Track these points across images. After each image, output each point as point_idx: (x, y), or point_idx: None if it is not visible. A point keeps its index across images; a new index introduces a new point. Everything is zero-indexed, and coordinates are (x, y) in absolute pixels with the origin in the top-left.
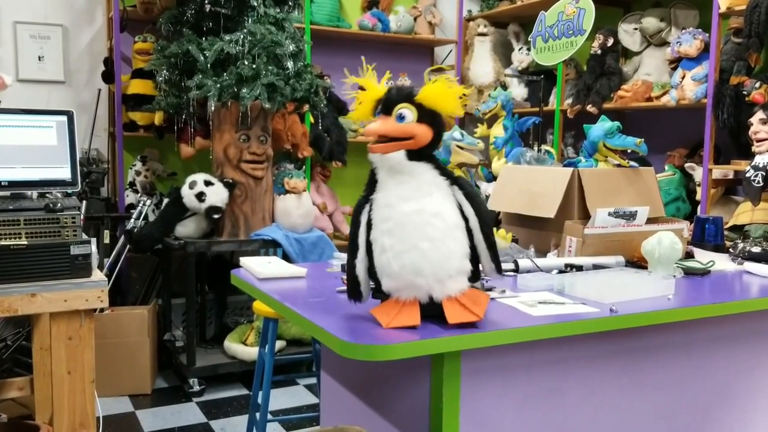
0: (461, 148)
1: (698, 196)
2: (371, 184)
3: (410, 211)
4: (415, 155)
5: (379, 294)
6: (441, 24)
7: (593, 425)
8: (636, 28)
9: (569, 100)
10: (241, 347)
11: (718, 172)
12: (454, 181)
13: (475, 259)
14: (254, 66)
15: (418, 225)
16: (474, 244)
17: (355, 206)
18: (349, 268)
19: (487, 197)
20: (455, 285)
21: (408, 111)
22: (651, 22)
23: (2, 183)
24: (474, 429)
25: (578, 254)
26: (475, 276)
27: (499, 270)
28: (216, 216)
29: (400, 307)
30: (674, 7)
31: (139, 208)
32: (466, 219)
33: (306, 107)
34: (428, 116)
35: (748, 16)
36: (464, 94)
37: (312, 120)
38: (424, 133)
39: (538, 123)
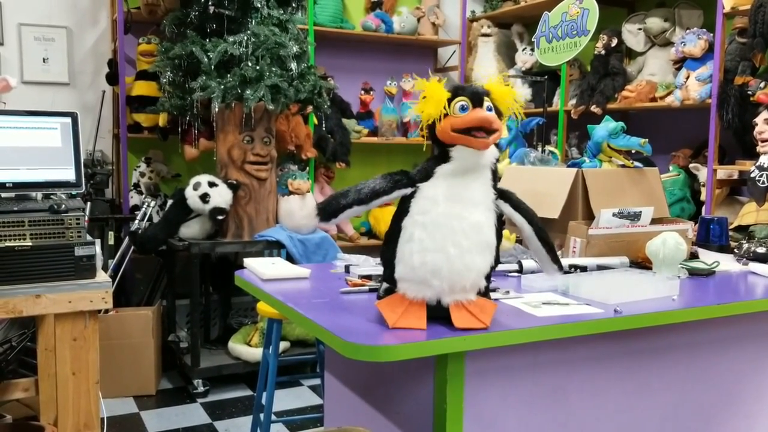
0: None
1: (703, 197)
2: (424, 174)
3: (452, 214)
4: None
5: (386, 282)
6: (444, 25)
7: (597, 426)
8: (640, 29)
9: (573, 101)
10: (246, 348)
11: (723, 172)
12: (501, 194)
13: (488, 277)
14: (258, 67)
15: (454, 230)
16: (533, 248)
17: (395, 176)
18: (345, 201)
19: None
20: (465, 296)
21: (491, 105)
22: (655, 23)
23: (7, 184)
24: (478, 430)
25: (582, 255)
26: (484, 293)
27: (560, 268)
28: (220, 217)
29: (406, 305)
30: (678, 7)
31: (144, 209)
32: (498, 238)
33: (310, 108)
34: (498, 114)
35: (753, 16)
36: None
37: (316, 121)
38: (502, 129)
39: (542, 123)
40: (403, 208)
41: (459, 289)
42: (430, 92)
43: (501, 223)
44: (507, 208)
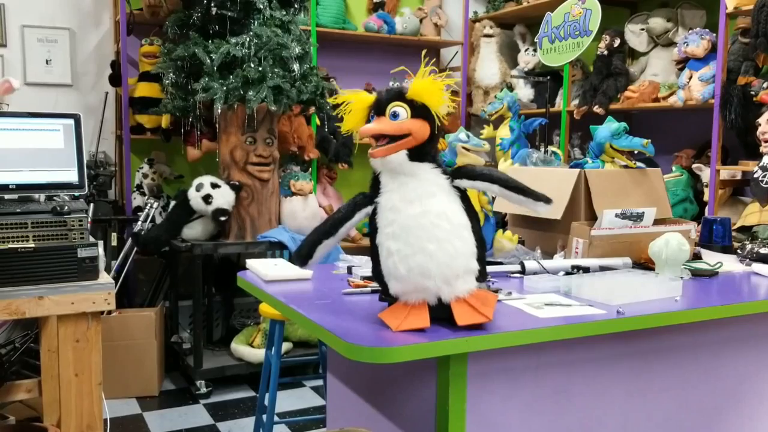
0: (467, 149)
1: (706, 197)
2: (374, 186)
3: (415, 213)
4: (415, 155)
5: (387, 297)
6: (447, 25)
7: (600, 427)
8: (643, 29)
9: (576, 101)
10: (248, 349)
11: (726, 172)
12: (456, 173)
13: (481, 258)
14: (260, 68)
15: (424, 227)
16: (513, 201)
17: (355, 199)
18: (313, 239)
19: (493, 199)
20: (463, 285)
21: (401, 108)
22: (658, 23)
23: (10, 186)
24: (480, 431)
25: (585, 256)
26: (482, 275)
27: (547, 200)
28: (223, 218)
29: (408, 310)
30: (681, 7)
31: (146, 210)
32: (475, 218)
33: (312, 109)
34: (421, 112)
35: (756, 16)
36: (450, 88)
37: (318, 122)
38: (420, 128)
39: (545, 124)
40: (372, 228)
41: (453, 278)
42: (354, 101)
43: (504, 223)
44: (466, 183)
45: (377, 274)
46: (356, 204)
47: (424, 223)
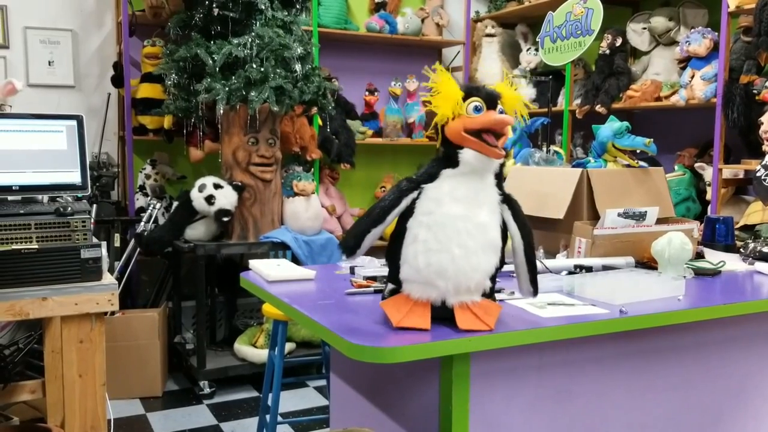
0: None
1: (708, 196)
2: (430, 176)
3: (457, 214)
4: None
5: (390, 295)
6: (448, 25)
7: (603, 427)
8: (645, 28)
9: (578, 101)
10: (251, 349)
11: (729, 171)
12: (505, 199)
13: (494, 278)
14: (262, 69)
15: (459, 231)
16: (516, 263)
17: (401, 185)
18: (362, 228)
19: None
20: (470, 297)
21: (502, 108)
22: (660, 22)
23: (13, 187)
24: (483, 431)
25: (588, 255)
26: (491, 295)
27: (535, 293)
28: (225, 219)
29: (411, 305)
30: (683, 6)
31: (149, 211)
32: (504, 239)
33: (314, 110)
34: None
35: (758, 15)
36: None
37: (320, 122)
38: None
39: (547, 123)
40: (408, 209)
41: (464, 290)
42: (444, 88)
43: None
44: (507, 214)
45: (391, 255)
46: (402, 191)
47: (460, 226)
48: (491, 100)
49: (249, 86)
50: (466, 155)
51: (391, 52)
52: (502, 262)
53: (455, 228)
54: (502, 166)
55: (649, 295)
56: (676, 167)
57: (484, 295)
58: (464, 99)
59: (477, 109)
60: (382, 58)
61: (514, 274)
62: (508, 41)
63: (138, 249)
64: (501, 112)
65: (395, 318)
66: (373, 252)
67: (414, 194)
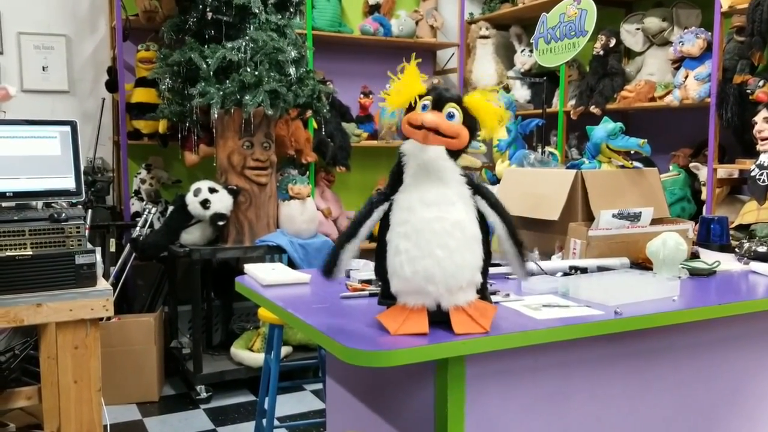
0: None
1: (703, 196)
2: (394, 183)
3: (431, 217)
4: (450, 156)
5: (385, 300)
6: (443, 27)
7: (599, 428)
8: (638, 29)
9: (572, 102)
10: (248, 353)
11: (723, 171)
12: (477, 190)
13: (485, 271)
14: (257, 73)
15: (437, 233)
16: (504, 249)
17: (372, 198)
18: (337, 246)
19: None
20: (464, 296)
21: (457, 112)
22: (653, 22)
23: (7, 194)
24: None
25: (582, 256)
26: (483, 288)
27: (527, 273)
28: (221, 223)
29: (407, 313)
30: (676, 6)
31: (145, 216)
32: (486, 231)
33: (309, 113)
34: (469, 122)
35: (751, 15)
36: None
37: (315, 125)
38: (465, 136)
39: (542, 125)
40: (383, 223)
41: (456, 288)
42: (406, 83)
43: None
44: (482, 204)
45: (380, 271)
46: (373, 203)
47: (437, 228)
48: (439, 101)
49: (243, 90)
50: (405, 146)
51: (386, 54)
52: (489, 253)
53: (432, 231)
54: (458, 158)
55: (644, 295)
56: (670, 167)
57: (478, 291)
58: (422, 96)
59: (424, 107)
60: (376, 61)
61: (510, 277)
62: (503, 43)
63: (133, 254)
64: (451, 116)
65: (392, 327)
66: (369, 255)
67: (385, 206)
